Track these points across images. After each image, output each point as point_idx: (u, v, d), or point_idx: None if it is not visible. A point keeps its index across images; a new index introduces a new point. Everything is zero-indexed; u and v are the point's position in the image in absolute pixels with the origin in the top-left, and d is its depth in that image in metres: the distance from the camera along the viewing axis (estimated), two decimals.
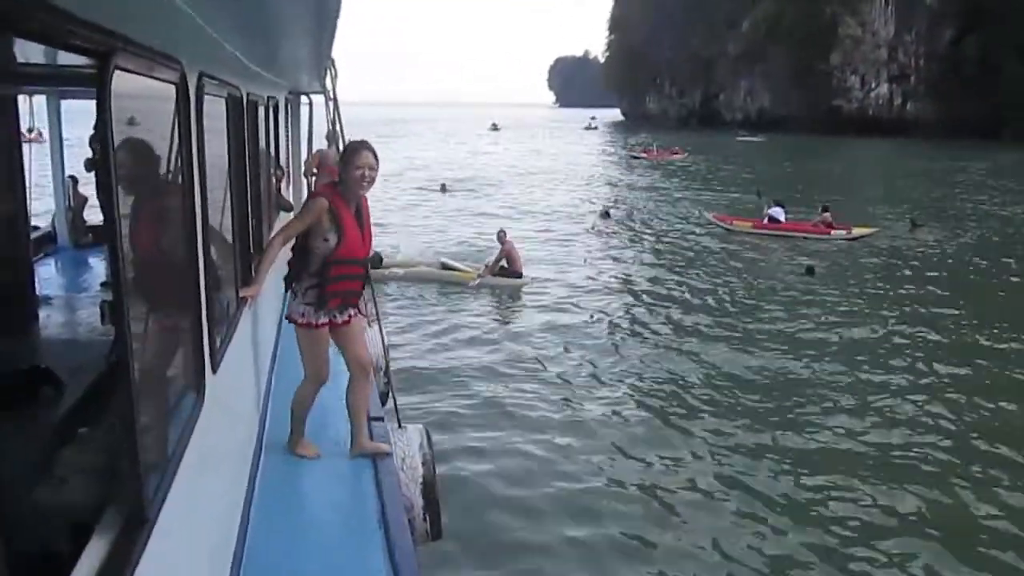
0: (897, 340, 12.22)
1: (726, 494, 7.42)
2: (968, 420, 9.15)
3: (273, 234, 4.38)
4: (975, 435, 8.72)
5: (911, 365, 11.05)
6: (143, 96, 2.23)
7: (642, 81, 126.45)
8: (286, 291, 4.55)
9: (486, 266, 15.76)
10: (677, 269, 17.91)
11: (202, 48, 3.28)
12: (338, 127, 5.96)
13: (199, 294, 2.82)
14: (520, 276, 15.59)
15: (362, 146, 4.41)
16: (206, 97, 3.14)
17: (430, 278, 15.66)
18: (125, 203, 1.95)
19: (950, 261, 19.07)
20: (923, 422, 9.04)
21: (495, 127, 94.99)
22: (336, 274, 4.33)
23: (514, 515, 6.95)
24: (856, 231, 20.37)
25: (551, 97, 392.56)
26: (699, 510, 7.16)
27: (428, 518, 4.66)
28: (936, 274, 17.44)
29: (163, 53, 2.32)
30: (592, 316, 13.67)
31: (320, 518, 4.10)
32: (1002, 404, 9.55)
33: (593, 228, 23.75)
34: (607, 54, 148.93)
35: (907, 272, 17.64)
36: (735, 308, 14.35)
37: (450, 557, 6.02)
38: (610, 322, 13.39)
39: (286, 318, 4.53)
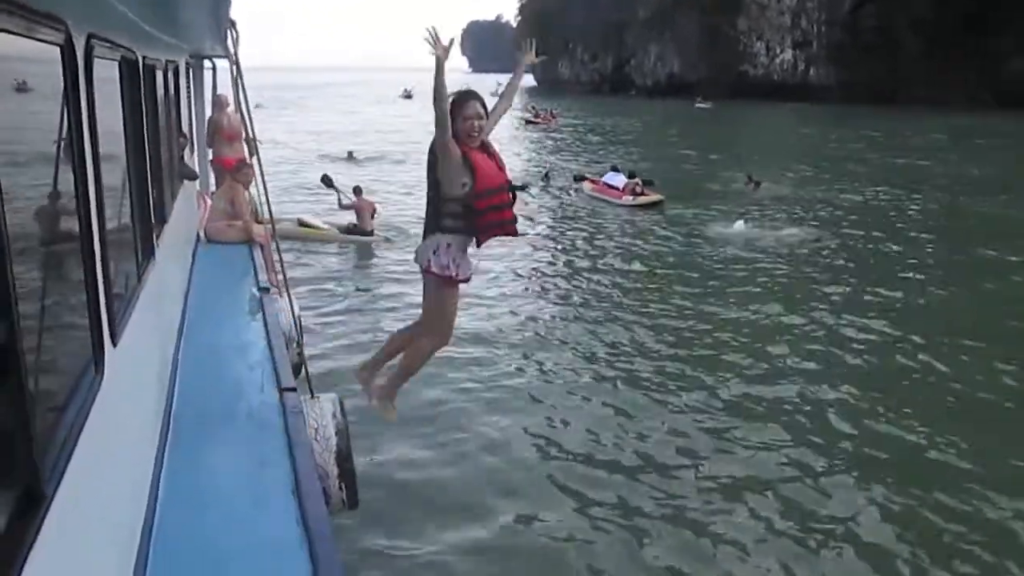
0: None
1: (652, 468, 7.51)
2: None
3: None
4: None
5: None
6: (25, 59, 2.14)
7: (554, 46, 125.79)
8: (424, 238, 4.33)
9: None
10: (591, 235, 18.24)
11: (90, 7, 3.14)
12: (242, 93, 5.78)
13: (95, 265, 2.74)
14: (370, 234, 15.50)
15: (469, 95, 4.25)
16: (97, 61, 3.01)
17: (290, 236, 14.64)
18: (10, 173, 1.87)
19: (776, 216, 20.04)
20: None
21: (408, 94, 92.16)
22: (484, 206, 4.19)
23: (433, 486, 6.98)
24: (641, 199, 21.23)
25: (464, 62, 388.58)
26: (620, 488, 7.06)
27: (344, 487, 4.65)
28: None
29: (44, 12, 2.22)
30: (513, 277, 13.83)
31: (232, 489, 4.06)
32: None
33: (538, 188, 24.69)
34: (519, 18, 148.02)
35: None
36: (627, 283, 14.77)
37: (368, 526, 6.03)
38: (530, 285, 13.56)
39: (424, 271, 4.30)
